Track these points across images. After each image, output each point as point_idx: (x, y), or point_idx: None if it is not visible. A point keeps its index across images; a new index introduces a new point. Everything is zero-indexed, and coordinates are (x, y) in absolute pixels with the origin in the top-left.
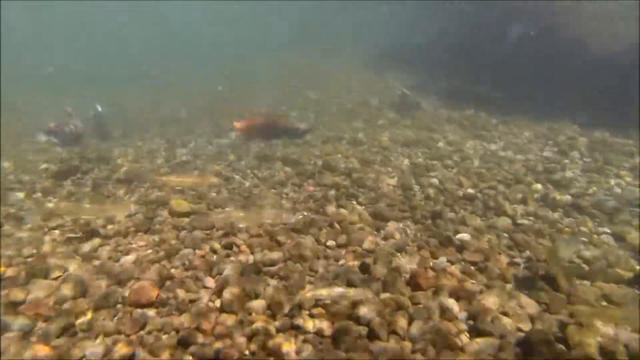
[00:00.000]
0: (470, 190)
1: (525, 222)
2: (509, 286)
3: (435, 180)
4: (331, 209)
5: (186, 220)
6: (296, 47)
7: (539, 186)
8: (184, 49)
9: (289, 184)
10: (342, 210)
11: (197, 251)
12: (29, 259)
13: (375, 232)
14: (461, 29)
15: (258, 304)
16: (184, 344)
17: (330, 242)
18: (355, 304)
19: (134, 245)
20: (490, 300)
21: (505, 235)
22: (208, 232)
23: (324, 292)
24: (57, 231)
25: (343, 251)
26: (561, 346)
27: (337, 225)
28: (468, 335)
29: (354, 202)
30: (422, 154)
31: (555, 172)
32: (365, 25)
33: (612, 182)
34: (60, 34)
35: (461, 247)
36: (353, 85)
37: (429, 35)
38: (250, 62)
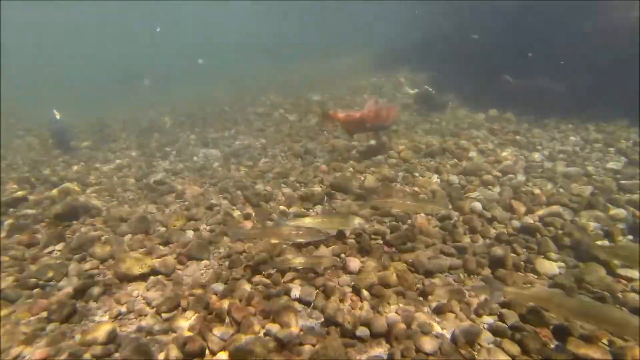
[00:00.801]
0: (529, 219)
1: (632, 274)
2: None
3: (477, 205)
4: (354, 261)
5: (136, 290)
6: (298, 47)
7: (620, 212)
8: (185, 49)
9: (290, 215)
10: (370, 263)
11: None
12: None
13: (421, 299)
14: (474, 25)
15: None
16: None
17: (362, 331)
18: None
19: None
20: None
21: (610, 296)
22: (169, 314)
23: None
24: None
25: (382, 350)
26: None
27: (365, 293)
28: None
29: (381, 242)
30: (452, 167)
31: (636, 192)
32: (370, 23)
33: None
34: (62, 36)
35: (561, 331)
36: (359, 86)
37: (438, 32)
38: (252, 62)
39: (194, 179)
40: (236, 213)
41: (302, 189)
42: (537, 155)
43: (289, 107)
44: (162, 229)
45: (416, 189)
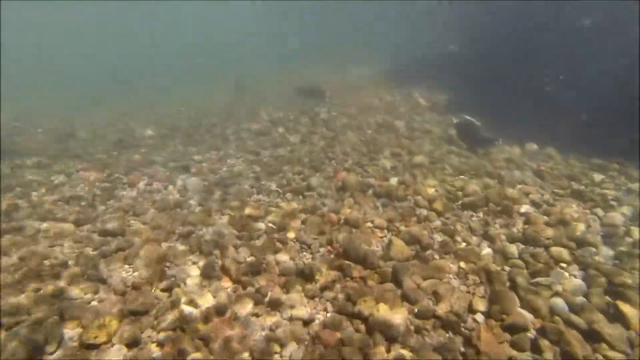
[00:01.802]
0: None
1: None
2: None
3: (561, 305)
4: None
5: None
6: (301, 56)
7: None
8: (185, 49)
9: (286, 308)
10: None
11: None
12: None
13: None
14: (512, 34)
15: None
16: None
17: None
18: None
19: None
20: None
21: None
22: None
23: None
24: None
25: None
26: None
27: None
28: None
29: None
30: (502, 228)
31: None
32: (381, 30)
33: None
34: (62, 36)
35: None
36: (370, 103)
37: (466, 42)
38: (250, 73)
39: (159, 227)
40: (206, 301)
41: (304, 252)
42: (615, 216)
43: (290, 125)
44: (73, 344)
45: (462, 265)
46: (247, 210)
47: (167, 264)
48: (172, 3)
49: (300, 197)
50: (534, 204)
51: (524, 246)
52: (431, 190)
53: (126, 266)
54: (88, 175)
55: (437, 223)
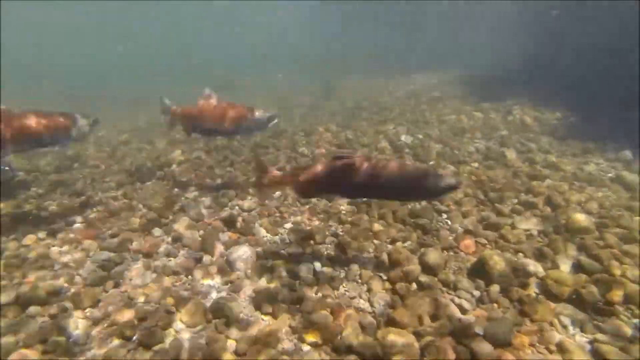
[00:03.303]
0: None
1: None
2: None
3: None
4: None
5: None
6: (354, 64)
7: None
8: (185, 49)
9: None
10: None
11: None
12: None
13: None
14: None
15: None
16: None
17: None
18: None
19: None
20: None
21: None
22: None
23: None
24: None
25: None
26: None
27: None
28: None
29: None
30: None
31: None
32: (463, 31)
33: None
34: (62, 36)
35: None
36: (458, 121)
37: (587, 49)
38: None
39: None
40: None
41: None
42: None
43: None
44: None
45: None
46: (346, 332)
47: None
48: (172, 3)
49: (415, 287)
50: None
51: None
52: None
53: None
54: (81, 238)
55: None
